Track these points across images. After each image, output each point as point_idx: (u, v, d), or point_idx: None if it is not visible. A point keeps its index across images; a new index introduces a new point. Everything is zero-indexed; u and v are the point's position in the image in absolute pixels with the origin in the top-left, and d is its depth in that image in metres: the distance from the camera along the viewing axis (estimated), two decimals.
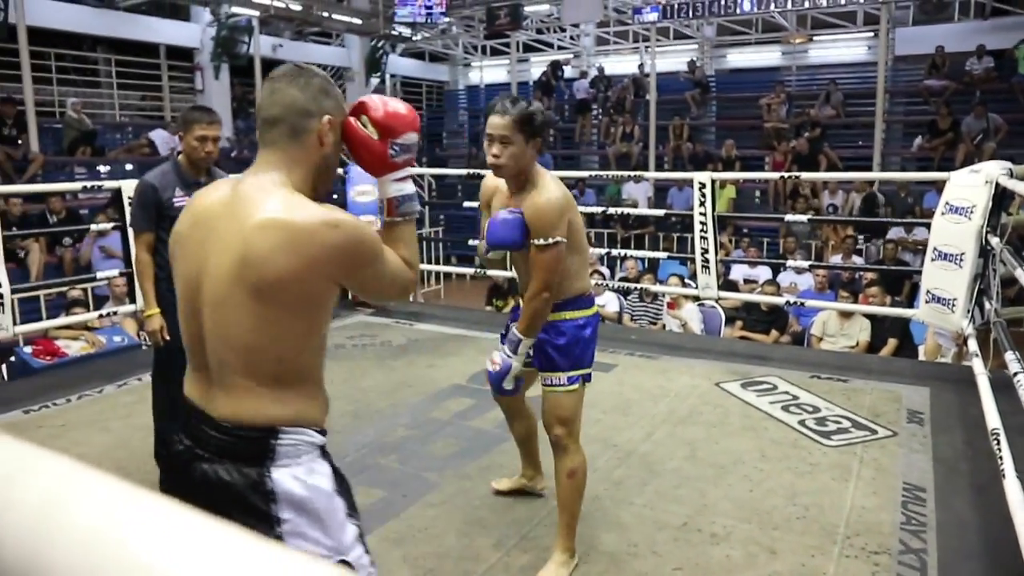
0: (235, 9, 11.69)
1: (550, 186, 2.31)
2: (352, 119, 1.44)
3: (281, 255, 1.25)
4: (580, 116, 14.10)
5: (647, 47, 14.09)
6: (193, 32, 12.26)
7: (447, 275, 10.04)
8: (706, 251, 4.97)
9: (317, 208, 1.31)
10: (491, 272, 6.54)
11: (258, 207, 1.29)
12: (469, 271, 7.24)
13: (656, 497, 2.91)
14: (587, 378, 2.49)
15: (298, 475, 1.33)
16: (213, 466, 1.34)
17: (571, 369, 2.44)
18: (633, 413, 3.80)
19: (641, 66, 14.26)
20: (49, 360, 4.99)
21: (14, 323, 4.22)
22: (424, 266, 7.58)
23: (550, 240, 2.25)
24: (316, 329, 1.37)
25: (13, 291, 4.13)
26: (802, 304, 5.49)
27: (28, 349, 5.01)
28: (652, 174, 10.10)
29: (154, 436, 3.16)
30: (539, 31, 15.29)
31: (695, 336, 5.63)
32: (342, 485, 1.41)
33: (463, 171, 11.22)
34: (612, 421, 3.71)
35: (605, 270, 7.56)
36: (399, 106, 1.47)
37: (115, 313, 5.20)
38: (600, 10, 12.64)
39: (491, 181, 2.51)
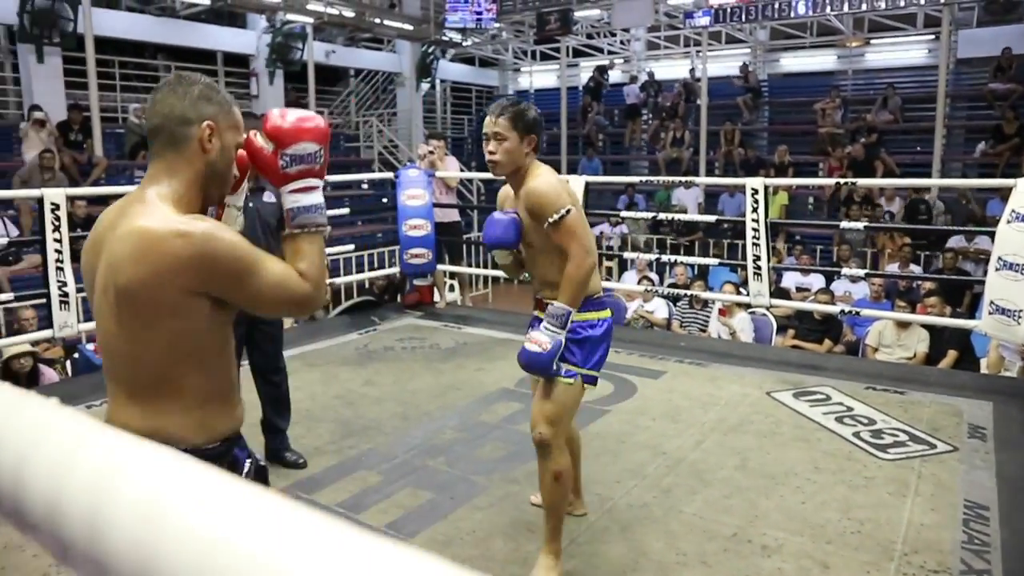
0: (290, 16, 11.91)
1: (546, 174, 2.38)
2: (253, 131, 1.46)
3: (131, 263, 1.28)
4: (630, 121, 14.01)
5: (698, 51, 13.93)
6: (249, 39, 12.53)
7: (495, 279, 10.06)
8: (758, 258, 4.89)
9: (173, 218, 1.31)
10: None
11: (127, 218, 1.33)
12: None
13: (706, 506, 2.87)
14: (588, 380, 2.44)
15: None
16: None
17: (570, 364, 2.40)
18: (682, 420, 3.76)
19: (692, 70, 14.11)
20: None
21: (79, 321, 4.36)
22: (473, 270, 7.62)
23: (561, 212, 2.26)
24: (181, 341, 1.34)
25: (78, 290, 4.27)
26: (857, 313, 5.35)
27: (91, 346, 5.17)
28: (703, 179, 10.00)
29: None
30: (589, 36, 15.23)
31: (746, 344, 5.54)
32: None
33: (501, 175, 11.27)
34: (661, 428, 3.67)
35: (654, 276, 7.50)
36: (294, 117, 1.45)
37: None
38: (651, 14, 12.55)
39: (507, 190, 2.55)
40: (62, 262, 4.30)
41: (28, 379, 4.58)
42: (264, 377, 3.37)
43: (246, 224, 3.11)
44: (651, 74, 14.80)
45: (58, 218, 4.21)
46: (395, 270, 6.48)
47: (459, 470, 3.21)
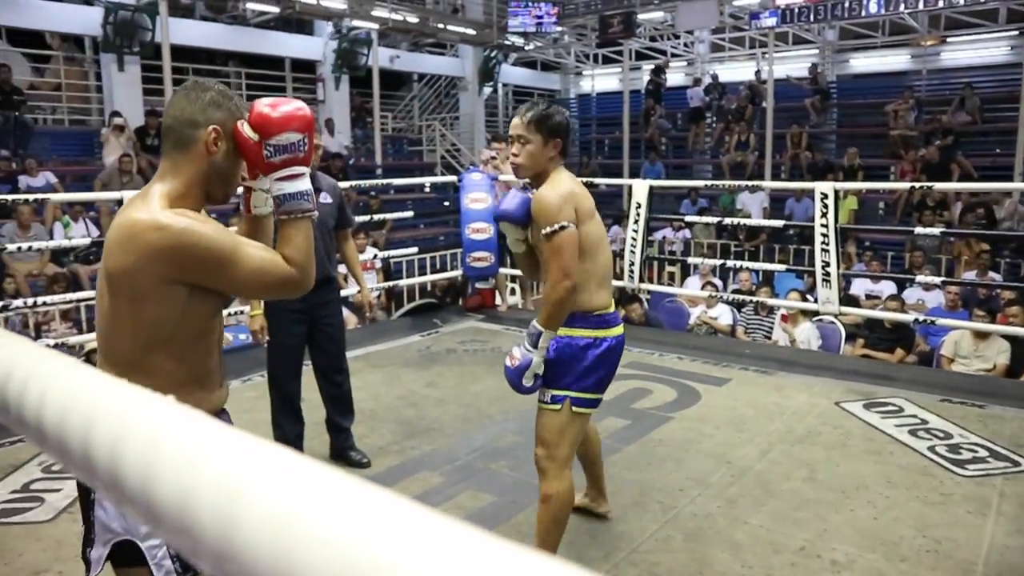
0: (356, 23, 12.14)
1: (560, 182, 2.29)
2: (240, 122, 1.49)
3: (117, 250, 1.40)
4: (693, 124, 13.84)
5: (764, 53, 13.67)
6: (316, 45, 12.82)
7: None
8: (827, 264, 4.77)
9: (158, 212, 1.40)
10: None
11: (128, 209, 1.44)
12: None
13: (772, 518, 2.80)
14: (580, 403, 2.31)
15: None
16: None
17: (556, 387, 2.31)
18: (747, 429, 3.68)
19: (757, 72, 13.85)
20: None
21: None
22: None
23: (555, 227, 2.20)
24: (158, 326, 1.43)
25: None
26: (933, 323, 5.17)
27: None
28: (770, 183, 9.79)
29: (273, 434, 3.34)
30: (652, 38, 15.11)
31: (814, 352, 5.40)
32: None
33: None
34: (725, 437, 3.60)
35: (718, 281, 7.38)
36: (278, 108, 1.49)
37: (242, 312, 5.47)
38: (716, 16, 12.38)
39: None
40: None
41: None
42: (326, 377, 3.43)
43: None
44: (715, 76, 14.60)
45: None
46: (457, 273, 6.53)
47: (521, 474, 3.21)
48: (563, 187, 2.27)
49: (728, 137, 12.88)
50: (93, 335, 4.76)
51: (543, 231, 2.22)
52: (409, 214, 8.14)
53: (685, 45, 15.77)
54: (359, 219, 7.49)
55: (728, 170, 12.38)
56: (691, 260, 6.76)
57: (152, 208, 1.41)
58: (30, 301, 4.78)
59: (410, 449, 3.48)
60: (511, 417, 3.88)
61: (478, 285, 6.25)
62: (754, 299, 5.85)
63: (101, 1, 9.96)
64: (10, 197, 5.41)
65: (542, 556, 0.30)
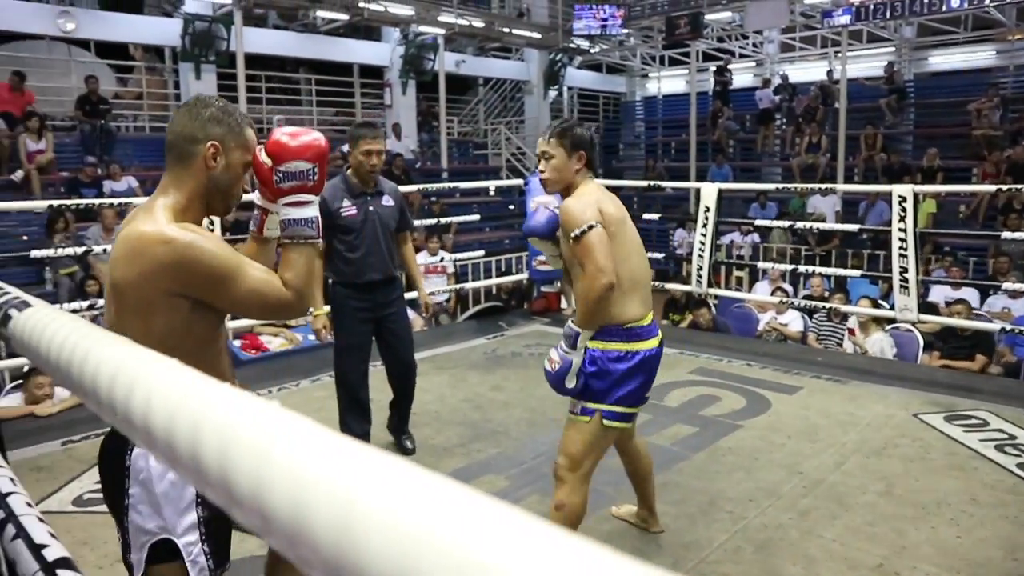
0: (422, 28, 12.30)
1: (584, 192, 2.31)
2: (259, 148, 1.55)
3: (122, 263, 1.44)
4: (762, 126, 13.55)
5: (837, 52, 13.30)
6: (383, 51, 13.04)
7: None
8: (905, 270, 4.60)
9: (163, 226, 1.43)
10: (669, 286, 6.42)
11: (133, 222, 1.48)
12: None
13: (847, 533, 2.71)
14: (611, 416, 2.30)
15: (151, 458, 1.42)
16: (108, 438, 1.51)
17: (587, 399, 2.31)
18: (820, 440, 3.58)
19: (830, 72, 13.47)
20: (254, 353, 5.46)
21: (229, 319, 4.66)
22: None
23: (582, 228, 2.19)
24: (164, 336, 1.44)
25: None
26: (1020, 332, 4.93)
27: (237, 343, 5.51)
28: (842, 186, 9.50)
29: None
30: (720, 39, 14.87)
31: (890, 361, 5.22)
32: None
33: (639, 183, 11.16)
34: (797, 447, 3.51)
35: (788, 287, 7.20)
36: (292, 137, 1.52)
37: (310, 313, 5.59)
38: (786, 15, 12.10)
39: None
40: None
41: None
42: (394, 372, 3.53)
43: (366, 223, 3.30)
44: (784, 77, 14.27)
45: (212, 221, 4.53)
46: (523, 276, 6.54)
47: None
48: (587, 196, 2.29)
49: (798, 139, 12.56)
50: None
51: (571, 236, 2.23)
52: (475, 217, 8.19)
53: (754, 45, 15.46)
54: (426, 222, 7.62)
55: (798, 173, 12.07)
56: (761, 265, 6.59)
57: (158, 221, 1.45)
58: None
59: (475, 452, 3.50)
60: None
61: (543, 288, 6.25)
62: (827, 305, 5.68)
63: (180, 13, 10.35)
64: (96, 201, 5.66)
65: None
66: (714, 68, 14.56)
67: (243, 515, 0.36)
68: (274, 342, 5.66)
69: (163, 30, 10.59)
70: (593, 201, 2.26)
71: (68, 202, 6.10)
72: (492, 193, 12.59)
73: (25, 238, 8.18)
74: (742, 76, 15.38)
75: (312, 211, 1.57)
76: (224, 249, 1.48)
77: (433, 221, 6.79)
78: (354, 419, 3.45)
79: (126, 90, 11.76)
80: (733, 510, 2.91)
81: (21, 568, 0.68)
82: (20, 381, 4.28)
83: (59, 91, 10.49)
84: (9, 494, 0.78)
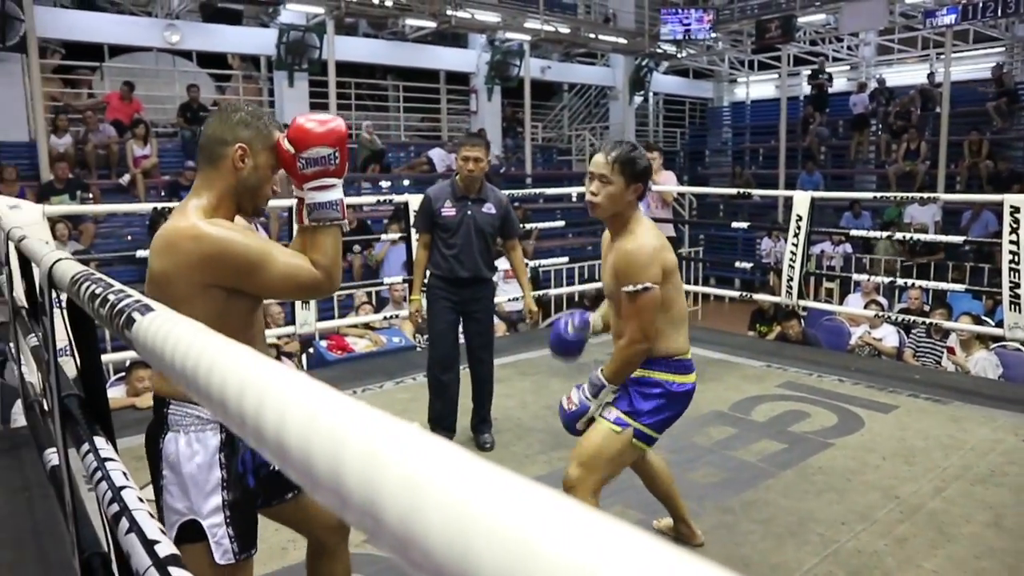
0: (509, 35, 12.39)
1: (645, 234, 2.24)
2: (281, 136, 1.60)
3: (156, 258, 1.52)
4: (856, 132, 13.05)
5: (939, 54, 12.71)
6: (470, 58, 13.20)
7: (704, 296, 9.77)
8: (1016, 285, 4.33)
9: (194, 222, 1.52)
10: (757, 296, 6.25)
11: (169, 220, 1.57)
12: (728, 293, 6.99)
13: (950, 565, 2.56)
14: (642, 436, 2.31)
15: (180, 442, 1.54)
16: (150, 425, 1.61)
17: (625, 410, 2.31)
18: (918, 463, 3.40)
19: (931, 75, 12.88)
20: (340, 354, 5.59)
21: (316, 320, 4.78)
22: (684, 287, 7.43)
23: (639, 286, 2.16)
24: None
25: None
26: None
27: (324, 343, 5.65)
28: (944, 195, 9.04)
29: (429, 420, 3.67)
30: (812, 42, 14.42)
31: (997, 382, 4.92)
32: (232, 460, 1.59)
33: (725, 190, 10.93)
34: (893, 469, 3.35)
35: (883, 300, 6.90)
36: (311, 123, 1.57)
37: (396, 316, 5.69)
38: (884, 16, 11.65)
39: (606, 235, 2.44)
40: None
41: None
42: (473, 352, 3.69)
43: (461, 225, 3.51)
44: (881, 81, 13.72)
45: None
46: None
47: None
48: (651, 242, 2.23)
49: (896, 146, 12.05)
50: (279, 330, 5.11)
51: (626, 288, 2.20)
52: (559, 224, 8.18)
53: (849, 48, 14.94)
54: None
55: (894, 181, 11.57)
56: (856, 276, 6.33)
57: (189, 218, 1.54)
58: None
59: (557, 460, 3.47)
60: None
61: None
62: (928, 321, 5.41)
63: (276, 23, 10.74)
64: None
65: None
66: (808, 72, 14.12)
67: (354, 518, 0.37)
68: (359, 343, 5.78)
69: (259, 40, 11.02)
70: (658, 251, 2.22)
71: (169, 204, 6.38)
72: (575, 199, 12.57)
73: (129, 238, 8.64)
74: (835, 80, 14.86)
75: (335, 194, 1.61)
76: (252, 239, 1.57)
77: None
78: (444, 408, 3.67)
79: (224, 98, 12.27)
80: (824, 533, 2.79)
81: (135, 562, 0.70)
82: (123, 374, 4.51)
83: (163, 99, 11.05)
84: (123, 488, 0.81)
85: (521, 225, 7.70)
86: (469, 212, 3.56)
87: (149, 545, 0.69)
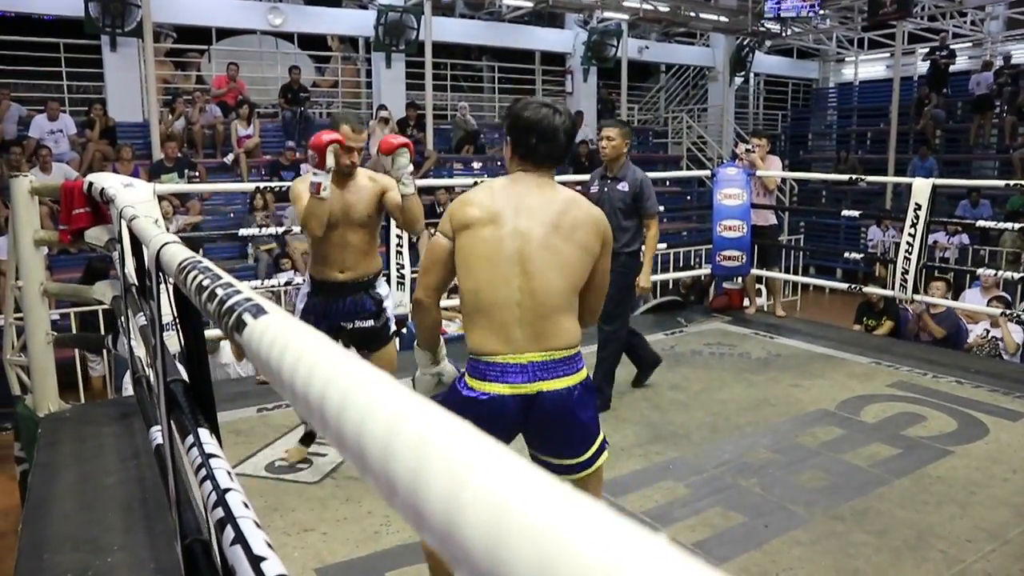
0: (607, 14, 12.13)
1: (472, 189, 1.97)
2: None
3: None
4: (977, 115, 12.16)
5: None
6: (566, 38, 13.00)
7: (804, 286, 9.34)
8: None
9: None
10: (867, 289, 5.91)
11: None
12: (832, 284, 6.64)
13: None
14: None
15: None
16: None
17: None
18: None
19: None
20: None
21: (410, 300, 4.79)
22: (782, 275, 7.12)
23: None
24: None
25: (412, 272, 4.69)
26: None
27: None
28: None
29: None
30: (931, 17, 13.50)
31: None
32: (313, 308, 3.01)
33: (832, 176, 10.40)
34: None
35: (1006, 295, 6.40)
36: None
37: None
38: None
39: None
40: (401, 247, 4.78)
41: None
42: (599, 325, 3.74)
43: (600, 202, 3.62)
44: (1007, 58, 12.73)
45: None
46: (704, 271, 6.27)
47: (775, 496, 2.96)
48: (468, 193, 1.94)
49: (1022, 129, 11.18)
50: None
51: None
52: (660, 208, 7.90)
53: (972, 24, 13.92)
54: None
55: (1020, 166, 10.76)
56: (982, 271, 5.88)
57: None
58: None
59: (654, 454, 3.35)
60: (762, 430, 3.62)
61: (725, 285, 5.94)
62: None
63: (375, 4, 10.84)
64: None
65: None
66: (925, 50, 13.24)
67: (401, 507, 0.36)
68: (451, 327, 5.77)
69: (358, 21, 11.16)
70: (456, 206, 1.94)
71: (271, 184, 6.54)
72: (668, 184, 12.25)
73: (232, 215, 8.93)
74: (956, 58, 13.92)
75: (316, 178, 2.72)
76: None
77: None
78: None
79: (323, 79, 12.51)
80: (947, 550, 2.58)
81: None
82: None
83: (265, 80, 11.34)
84: (228, 491, 0.76)
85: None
86: (606, 189, 3.89)
87: (255, 562, 0.64)
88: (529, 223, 1.83)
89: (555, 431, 1.88)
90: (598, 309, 2.03)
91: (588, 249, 1.88)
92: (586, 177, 4.38)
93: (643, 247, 3.97)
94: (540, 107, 1.92)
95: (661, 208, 7.93)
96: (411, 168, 2.78)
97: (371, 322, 3.04)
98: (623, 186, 3.87)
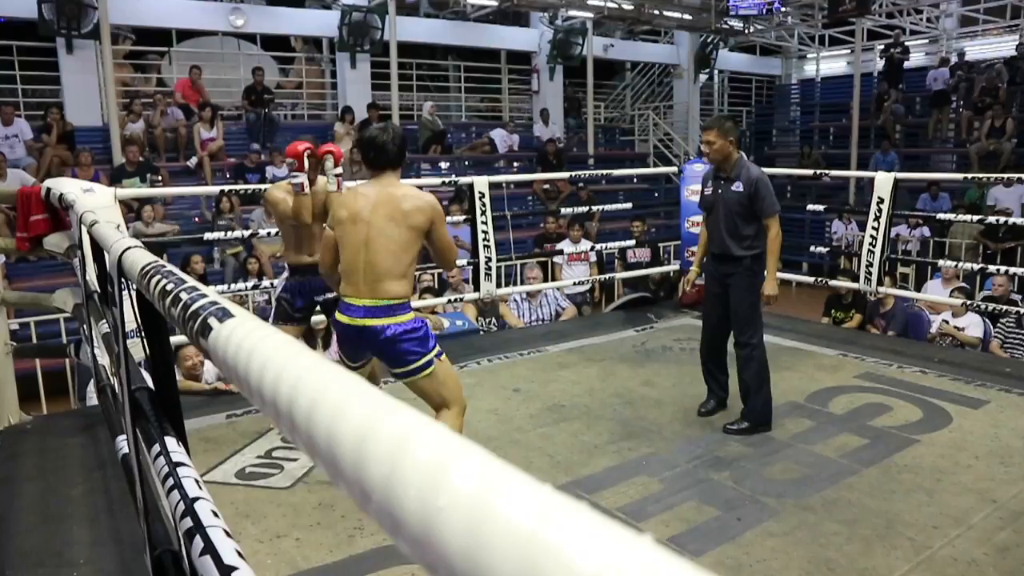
0: (571, 13, 12.15)
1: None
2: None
3: None
4: (935, 110, 12.42)
5: None
6: (531, 37, 13.00)
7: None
8: None
9: None
10: (834, 282, 5.99)
11: None
12: (797, 278, 6.74)
13: None
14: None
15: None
16: None
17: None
18: (1017, 464, 3.19)
19: (1020, 46, 12.15)
20: None
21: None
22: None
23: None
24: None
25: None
26: None
27: None
28: None
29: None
30: (889, 15, 13.74)
31: None
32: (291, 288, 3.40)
33: (797, 171, 10.52)
34: (988, 470, 3.14)
35: (965, 286, 6.54)
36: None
37: (461, 299, 5.63)
38: None
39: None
40: (488, 242, 4.76)
41: None
42: (734, 338, 3.75)
43: (715, 204, 3.69)
44: (961, 54, 13.02)
45: None
46: (673, 267, 6.30)
47: (747, 488, 2.99)
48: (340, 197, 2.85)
49: (977, 123, 11.43)
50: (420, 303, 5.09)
51: None
52: (627, 206, 7.93)
53: (928, 21, 14.20)
54: (577, 210, 7.52)
55: (976, 160, 11.00)
56: (943, 263, 6.00)
57: None
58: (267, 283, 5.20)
59: (627, 451, 3.37)
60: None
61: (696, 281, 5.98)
62: (1019, 310, 5.10)
63: (338, 5, 10.74)
64: (261, 186, 5.93)
65: None
66: (882, 46, 13.48)
67: (375, 513, 0.36)
68: (445, 322, 5.73)
69: (322, 22, 11.05)
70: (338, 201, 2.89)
71: (236, 187, 6.44)
72: (635, 180, 12.33)
73: (197, 220, 8.79)
74: (912, 55, 14.18)
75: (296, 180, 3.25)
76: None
77: (584, 209, 6.67)
78: (713, 367, 3.87)
79: (287, 80, 12.38)
80: (915, 537, 2.62)
81: None
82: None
83: (228, 83, 11.18)
84: (196, 500, 0.74)
85: (590, 208, 7.56)
86: (719, 191, 3.69)
87: (226, 572, 0.62)
88: (373, 216, 2.59)
89: (380, 353, 2.69)
90: (448, 261, 2.84)
91: (419, 228, 2.61)
92: (656, 171, 4.24)
93: (765, 250, 3.63)
94: (374, 130, 2.68)
95: (628, 205, 8.06)
96: (338, 171, 3.40)
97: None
98: (737, 186, 3.59)
